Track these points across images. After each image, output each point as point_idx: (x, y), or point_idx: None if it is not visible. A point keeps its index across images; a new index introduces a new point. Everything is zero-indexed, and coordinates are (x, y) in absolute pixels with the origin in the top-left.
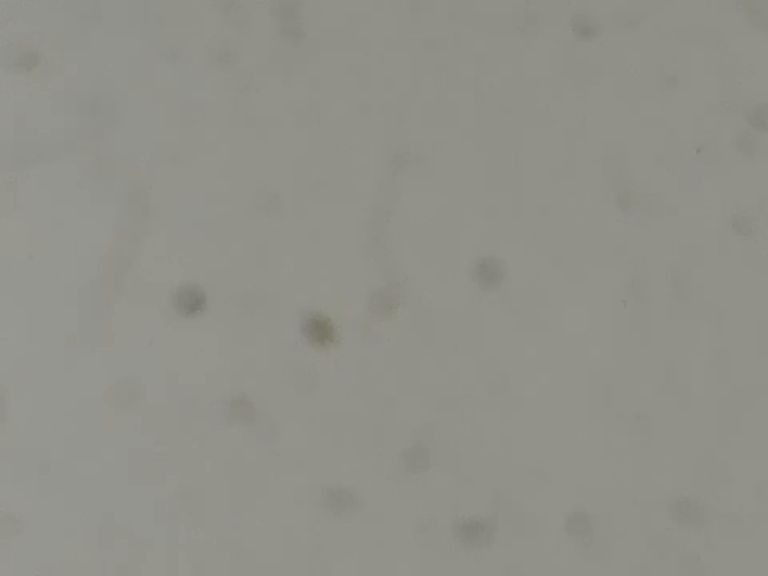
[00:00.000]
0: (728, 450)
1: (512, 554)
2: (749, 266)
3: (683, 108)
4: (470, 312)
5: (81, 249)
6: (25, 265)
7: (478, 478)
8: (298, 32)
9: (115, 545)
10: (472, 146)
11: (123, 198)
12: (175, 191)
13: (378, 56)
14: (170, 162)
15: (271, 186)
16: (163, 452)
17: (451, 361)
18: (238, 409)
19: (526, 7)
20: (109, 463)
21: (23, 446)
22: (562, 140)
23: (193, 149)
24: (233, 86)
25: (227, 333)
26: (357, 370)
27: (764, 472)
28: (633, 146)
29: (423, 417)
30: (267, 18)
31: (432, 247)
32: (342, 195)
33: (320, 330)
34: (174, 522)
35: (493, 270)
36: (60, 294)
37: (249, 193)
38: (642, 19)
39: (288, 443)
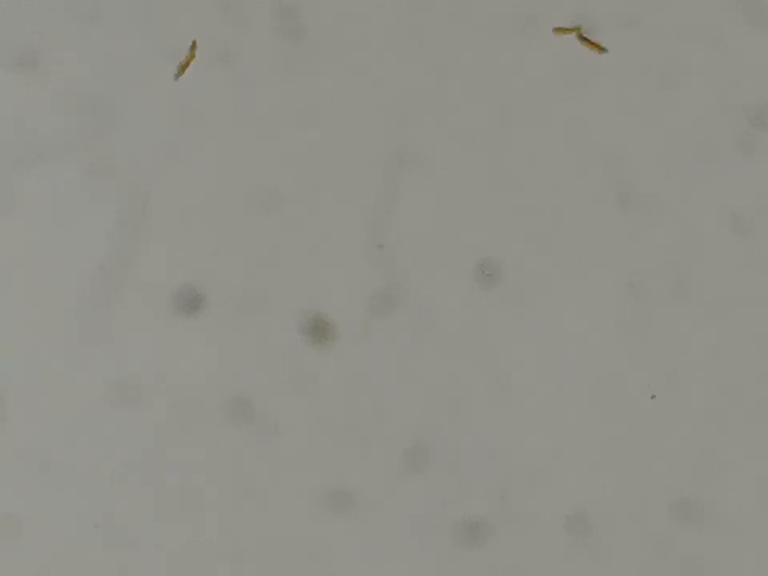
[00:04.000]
0: (728, 450)
1: (512, 553)
2: (748, 265)
3: (683, 108)
4: (470, 312)
5: (81, 249)
6: (25, 264)
7: (478, 478)
8: (298, 32)
9: (115, 545)
10: (472, 146)
11: (123, 198)
12: (175, 191)
13: (378, 56)
14: (170, 161)
15: (271, 186)
16: (163, 452)
17: (451, 361)
18: (238, 409)
19: (526, 7)
20: (108, 463)
21: (23, 446)
22: (562, 140)
23: (193, 149)
24: (233, 86)
25: (227, 333)
26: (357, 370)
27: (764, 472)
28: (633, 146)
29: (423, 417)
30: (267, 18)
31: (432, 247)
32: (342, 195)
33: (320, 330)
34: (174, 521)
35: (493, 270)
36: (60, 293)
37: (249, 193)
38: (642, 19)
39: (288, 443)
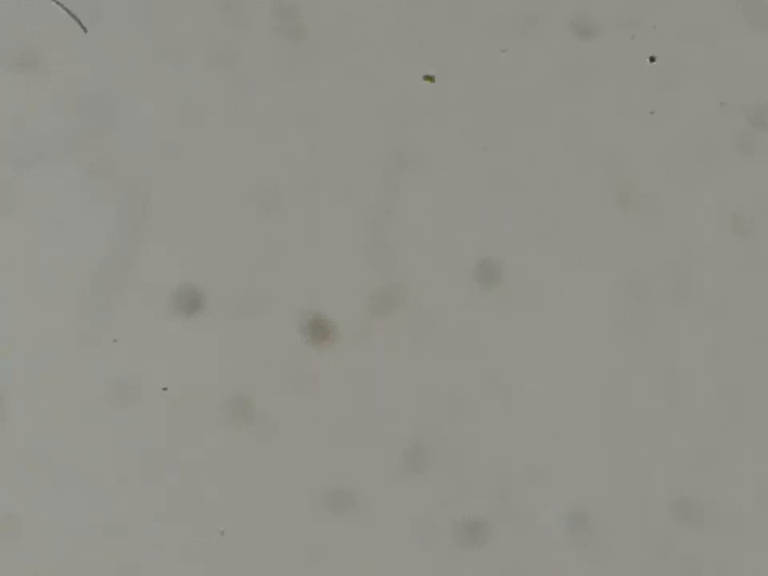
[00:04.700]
0: (728, 450)
1: (512, 553)
2: (748, 265)
3: (683, 108)
4: (470, 312)
5: (81, 249)
6: (25, 264)
7: (477, 478)
8: (298, 32)
9: (115, 545)
10: (472, 146)
11: (123, 198)
12: (175, 191)
13: (378, 56)
14: (170, 161)
15: (271, 186)
16: (163, 452)
17: (451, 361)
18: (238, 409)
19: (526, 7)
20: (109, 463)
21: (23, 446)
22: (562, 140)
23: (193, 149)
24: (233, 86)
25: (227, 333)
26: (357, 370)
27: (764, 472)
28: (633, 146)
29: (423, 417)
30: (267, 18)
31: (432, 247)
32: (342, 195)
33: (320, 330)
34: (174, 521)
35: (493, 270)
36: (60, 293)
37: (249, 193)
38: (642, 19)
39: (288, 443)
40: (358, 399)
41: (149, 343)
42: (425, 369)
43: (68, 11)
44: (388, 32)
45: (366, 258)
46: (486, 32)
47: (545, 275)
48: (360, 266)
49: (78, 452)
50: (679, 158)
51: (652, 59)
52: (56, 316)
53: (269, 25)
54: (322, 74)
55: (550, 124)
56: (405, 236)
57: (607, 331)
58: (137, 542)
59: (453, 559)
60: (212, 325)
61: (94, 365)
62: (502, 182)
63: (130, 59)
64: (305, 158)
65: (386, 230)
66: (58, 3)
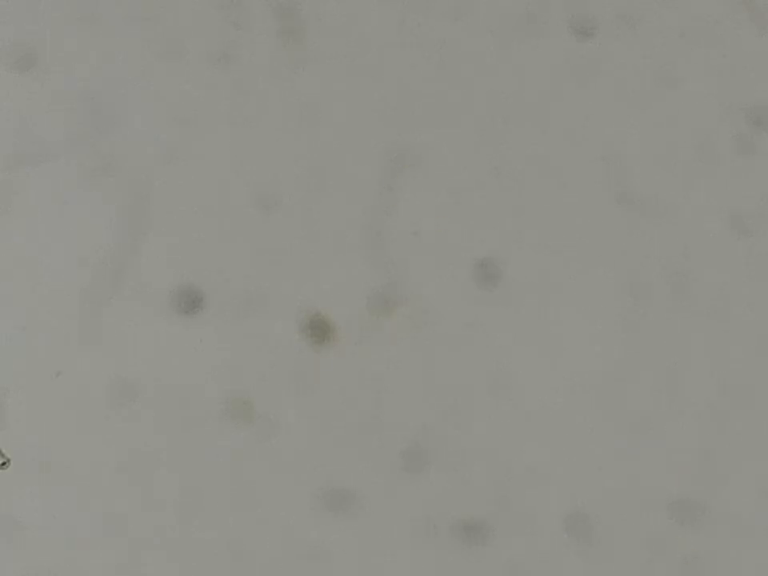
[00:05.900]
0: (728, 450)
1: (511, 553)
2: (748, 265)
3: (683, 108)
4: (470, 312)
5: (81, 249)
6: (25, 264)
7: (477, 477)
8: (298, 32)
9: (115, 545)
10: (472, 146)
11: (123, 198)
12: (175, 191)
13: (378, 56)
14: (170, 161)
15: (271, 186)
16: (163, 452)
17: (451, 361)
18: (238, 409)
19: (526, 7)
20: (108, 463)
21: (23, 446)
22: (562, 140)
23: (192, 149)
24: (233, 86)
25: (226, 333)
26: (356, 370)
27: (764, 472)
28: (633, 146)
29: (422, 417)
30: (267, 17)
31: (432, 247)
32: (342, 195)
33: (319, 330)
34: (174, 521)
35: (492, 270)
36: (60, 293)
37: (248, 193)
38: (642, 19)
39: (288, 443)
40: (358, 399)
41: (149, 343)
42: (424, 369)
43: None
44: (388, 32)
45: (366, 257)
46: (486, 32)
47: (545, 275)
48: (360, 265)
49: (78, 452)
50: (679, 157)
51: None
52: (56, 316)
53: (269, 25)
54: (322, 73)
55: (550, 124)
56: (405, 236)
57: (607, 331)
58: (136, 542)
59: (452, 559)
60: (212, 325)
61: (94, 365)
62: (502, 182)
63: (130, 59)
64: (305, 157)
65: (385, 230)
66: None
